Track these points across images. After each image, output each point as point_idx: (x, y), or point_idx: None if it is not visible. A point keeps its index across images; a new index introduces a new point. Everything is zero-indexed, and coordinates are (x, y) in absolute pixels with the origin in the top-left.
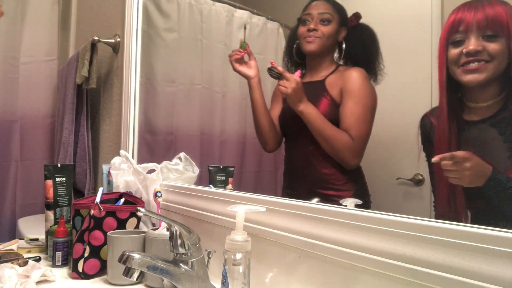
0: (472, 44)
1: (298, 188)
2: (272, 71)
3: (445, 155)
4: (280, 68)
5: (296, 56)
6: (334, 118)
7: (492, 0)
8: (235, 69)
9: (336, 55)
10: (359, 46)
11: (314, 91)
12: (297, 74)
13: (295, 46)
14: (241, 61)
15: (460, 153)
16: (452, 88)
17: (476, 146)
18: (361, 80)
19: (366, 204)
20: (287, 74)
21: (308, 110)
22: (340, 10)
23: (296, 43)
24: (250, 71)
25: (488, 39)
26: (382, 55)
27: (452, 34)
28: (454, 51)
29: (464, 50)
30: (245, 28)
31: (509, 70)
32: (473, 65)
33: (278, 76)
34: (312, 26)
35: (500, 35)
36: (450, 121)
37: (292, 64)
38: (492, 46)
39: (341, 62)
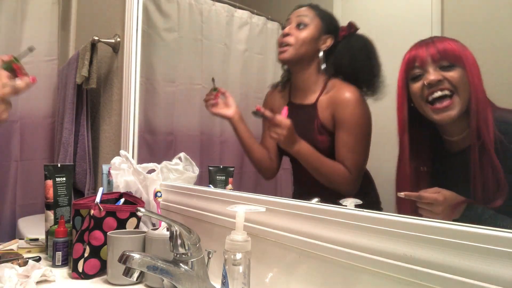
0: (432, 74)
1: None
2: (257, 115)
3: (411, 194)
4: (267, 113)
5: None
6: (327, 146)
7: (441, 37)
8: (212, 113)
9: (323, 66)
10: (350, 58)
11: (307, 117)
12: (284, 113)
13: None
14: (217, 104)
15: (429, 195)
16: (419, 124)
17: (452, 177)
18: (353, 106)
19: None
20: (276, 119)
21: (302, 150)
22: (324, 16)
23: None
24: (229, 111)
25: (445, 69)
26: (381, 68)
27: (410, 71)
28: (416, 86)
29: (425, 82)
30: (213, 80)
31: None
32: (438, 95)
33: (261, 117)
34: (286, 30)
35: (456, 65)
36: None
37: (285, 72)
38: (451, 74)
39: (328, 74)
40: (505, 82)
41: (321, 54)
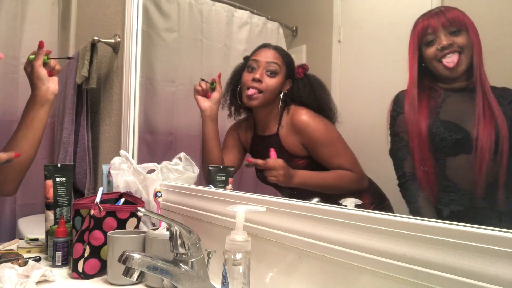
0: (444, 40)
1: None
2: (249, 166)
3: (258, 162)
4: (259, 162)
5: (240, 101)
6: (306, 168)
7: (447, 7)
8: (194, 97)
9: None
10: (307, 94)
11: (270, 145)
12: (273, 155)
13: (238, 89)
14: (203, 92)
15: (271, 163)
16: (426, 78)
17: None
18: (313, 125)
19: (387, 209)
20: (270, 164)
21: (303, 179)
22: (288, 62)
23: (240, 87)
24: (205, 103)
25: (454, 34)
26: (333, 101)
27: (423, 38)
28: (430, 50)
29: (439, 46)
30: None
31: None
32: (450, 56)
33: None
34: (257, 76)
35: (462, 30)
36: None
37: (236, 108)
38: (459, 39)
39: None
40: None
41: (281, 95)
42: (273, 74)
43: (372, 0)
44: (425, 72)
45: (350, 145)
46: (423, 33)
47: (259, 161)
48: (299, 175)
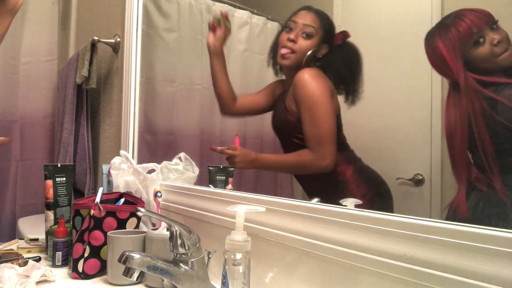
0: (496, 34)
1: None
2: (215, 151)
3: (217, 149)
4: (218, 149)
5: (275, 61)
6: (298, 125)
7: (466, 9)
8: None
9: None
10: (339, 65)
11: (282, 104)
12: (236, 142)
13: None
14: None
15: (228, 151)
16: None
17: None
18: (305, 84)
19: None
20: (226, 152)
21: (262, 163)
22: (327, 26)
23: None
24: (209, 39)
25: (495, 28)
26: (363, 79)
27: (468, 40)
28: (483, 49)
29: (495, 41)
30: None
31: None
32: (505, 48)
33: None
34: (292, 36)
35: (497, 22)
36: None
37: (275, 65)
38: (503, 32)
39: None
40: None
41: (313, 59)
42: (308, 36)
43: (372, 0)
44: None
45: (349, 143)
46: (468, 35)
47: (218, 149)
48: (260, 160)
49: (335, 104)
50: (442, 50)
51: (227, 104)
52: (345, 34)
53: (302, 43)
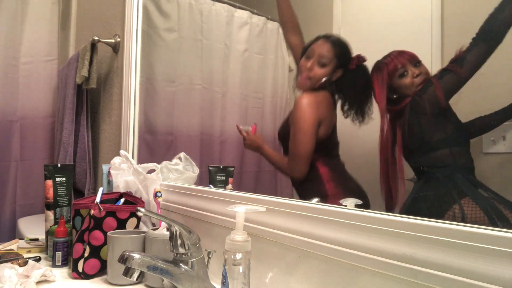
0: (417, 70)
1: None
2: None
3: (239, 127)
4: (239, 128)
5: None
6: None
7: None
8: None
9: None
10: (350, 89)
11: (287, 118)
12: (253, 130)
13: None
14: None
15: (243, 134)
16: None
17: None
18: (297, 108)
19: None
20: (243, 133)
21: (261, 151)
22: (341, 54)
23: None
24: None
25: (418, 65)
26: (372, 101)
27: (396, 72)
28: (405, 80)
29: (415, 74)
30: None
31: None
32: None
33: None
34: (309, 65)
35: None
36: None
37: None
38: (424, 68)
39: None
40: (504, 83)
41: (327, 83)
42: (323, 65)
43: (372, 0)
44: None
45: (350, 144)
46: (395, 69)
47: (239, 128)
48: (262, 149)
49: (322, 130)
50: (374, 82)
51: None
52: (359, 59)
53: (317, 71)
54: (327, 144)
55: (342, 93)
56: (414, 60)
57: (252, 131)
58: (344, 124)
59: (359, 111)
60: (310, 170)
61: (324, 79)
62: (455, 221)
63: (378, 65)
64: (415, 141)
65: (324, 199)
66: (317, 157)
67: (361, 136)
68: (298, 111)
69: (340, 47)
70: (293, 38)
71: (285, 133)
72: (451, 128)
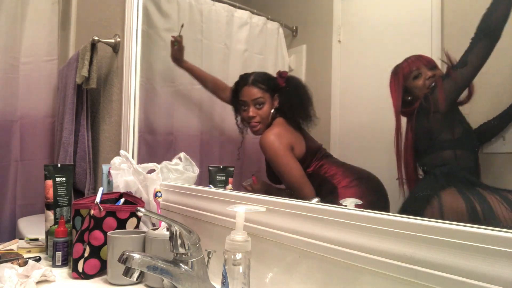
0: (431, 72)
1: None
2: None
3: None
4: (248, 189)
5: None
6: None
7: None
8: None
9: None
10: (291, 102)
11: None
12: (253, 181)
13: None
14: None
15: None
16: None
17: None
18: (264, 148)
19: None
20: (251, 189)
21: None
22: (268, 86)
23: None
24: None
25: (433, 68)
26: (313, 103)
27: (410, 74)
28: (418, 81)
29: (427, 76)
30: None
31: None
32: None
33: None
34: (251, 114)
35: (435, 65)
36: None
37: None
38: (439, 71)
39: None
40: (504, 82)
41: (272, 112)
42: (261, 104)
43: (372, 0)
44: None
45: (350, 145)
46: (410, 70)
47: (249, 188)
48: (273, 191)
49: (297, 150)
50: (390, 85)
51: (223, 95)
52: (282, 75)
53: (260, 112)
54: (310, 154)
55: (290, 110)
56: (430, 64)
57: (254, 183)
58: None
59: (304, 117)
60: (312, 179)
61: (272, 112)
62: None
63: (396, 69)
64: (421, 141)
65: (337, 193)
66: (309, 166)
67: (352, 120)
68: (267, 151)
69: (263, 81)
70: (223, 94)
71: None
72: (458, 131)
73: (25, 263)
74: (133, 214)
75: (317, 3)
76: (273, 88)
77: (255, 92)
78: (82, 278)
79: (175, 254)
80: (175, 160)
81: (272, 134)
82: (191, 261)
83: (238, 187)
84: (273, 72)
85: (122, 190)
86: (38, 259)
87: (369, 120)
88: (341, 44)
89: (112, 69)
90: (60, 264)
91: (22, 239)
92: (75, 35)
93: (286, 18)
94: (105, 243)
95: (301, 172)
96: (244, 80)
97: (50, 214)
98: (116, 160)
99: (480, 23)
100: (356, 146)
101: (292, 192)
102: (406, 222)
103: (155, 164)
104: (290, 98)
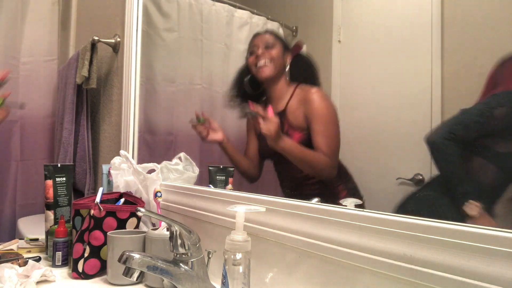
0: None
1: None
2: (251, 114)
3: (260, 111)
4: (259, 111)
5: (252, 88)
6: (301, 142)
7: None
8: (206, 141)
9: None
10: (304, 70)
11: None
12: (270, 112)
13: (246, 79)
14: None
15: (269, 114)
16: None
17: None
18: (319, 101)
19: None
20: (268, 115)
21: (287, 146)
22: (281, 38)
23: (248, 76)
24: (218, 135)
25: None
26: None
27: None
28: None
29: None
30: (197, 117)
31: None
32: None
33: (254, 115)
34: (260, 52)
35: None
36: None
37: (242, 99)
38: None
39: (294, 84)
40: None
41: (287, 68)
42: (271, 46)
43: (372, 0)
44: None
45: (349, 144)
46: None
47: (260, 110)
48: (286, 140)
49: None
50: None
51: (253, 176)
52: (299, 45)
53: (271, 52)
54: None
55: (298, 78)
56: None
57: (269, 113)
58: None
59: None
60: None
61: (287, 66)
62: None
63: None
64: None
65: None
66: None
67: (353, 120)
68: (323, 102)
69: (276, 32)
70: (256, 172)
71: (268, 148)
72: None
73: (25, 263)
74: (133, 214)
75: (317, 3)
76: (285, 45)
77: (267, 37)
78: (82, 278)
79: (175, 254)
80: (175, 160)
81: (326, 95)
82: (191, 261)
83: (238, 187)
84: None
85: (122, 190)
86: (38, 259)
87: (369, 119)
88: (341, 44)
89: (112, 69)
90: (60, 264)
91: (22, 239)
92: (75, 35)
93: (286, 18)
94: (105, 243)
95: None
96: (256, 33)
97: (50, 214)
98: (116, 160)
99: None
100: (356, 145)
101: (330, 156)
102: (406, 222)
103: (155, 164)
104: (304, 66)
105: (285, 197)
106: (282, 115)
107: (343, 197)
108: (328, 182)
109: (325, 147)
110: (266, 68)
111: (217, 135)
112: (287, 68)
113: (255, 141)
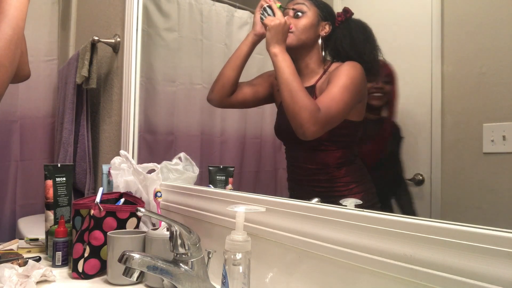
0: None
1: (302, 192)
2: (266, 11)
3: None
4: (274, 6)
5: None
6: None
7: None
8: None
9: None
10: (349, 42)
11: None
12: (281, 14)
13: None
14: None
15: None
16: None
17: None
18: (346, 68)
19: (374, 207)
20: (278, 12)
21: (281, 55)
22: (320, 4)
23: None
24: (257, 24)
25: None
26: (379, 48)
27: None
28: None
29: None
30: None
31: None
32: None
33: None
34: (287, 18)
35: None
36: None
37: None
38: None
39: (328, 58)
40: (504, 82)
41: (320, 40)
42: (300, 13)
43: (372, 0)
44: None
45: None
46: None
47: (274, 6)
48: (284, 52)
49: (358, 109)
50: None
51: (217, 96)
52: (346, 10)
53: (296, 22)
54: (355, 136)
55: (337, 50)
56: None
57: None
58: None
59: (366, 67)
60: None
61: (319, 41)
62: None
63: None
64: None
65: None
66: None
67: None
68: (352, 68)
69: None
70: (228, 98)
71: (285, 126)
72: None
73: (25, 263)
74: (133, 214)
75: None
76: (324, 13)
77: (299, 2)
78: (82, 278)
79: (175, 254)
80: (175, 160)
81: (362, 70)
82: (191, 261)
83: (238, 187)
84: (273, 72)
85: (122, 190)
86: (38, 259)
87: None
88: None
89: (112, 69)
90: (60, 264)
91: (22, 239)
92: (75, 35)
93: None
94: (105, 243)
95: (342, 117)
96: None
97: (50, 214)
98: (116, 160)
99: None
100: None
101: (323, 110)
102: (406, 222)
103: (155, 164)
104: (346, 38)
105: (288, 193)
106: (311, 89)
107: (358, 198)
108: (336, 179)
109: (324, 103)
110: (287, 39)
111: (257, 22)
112: (320, 41)
113: (256, 91)
